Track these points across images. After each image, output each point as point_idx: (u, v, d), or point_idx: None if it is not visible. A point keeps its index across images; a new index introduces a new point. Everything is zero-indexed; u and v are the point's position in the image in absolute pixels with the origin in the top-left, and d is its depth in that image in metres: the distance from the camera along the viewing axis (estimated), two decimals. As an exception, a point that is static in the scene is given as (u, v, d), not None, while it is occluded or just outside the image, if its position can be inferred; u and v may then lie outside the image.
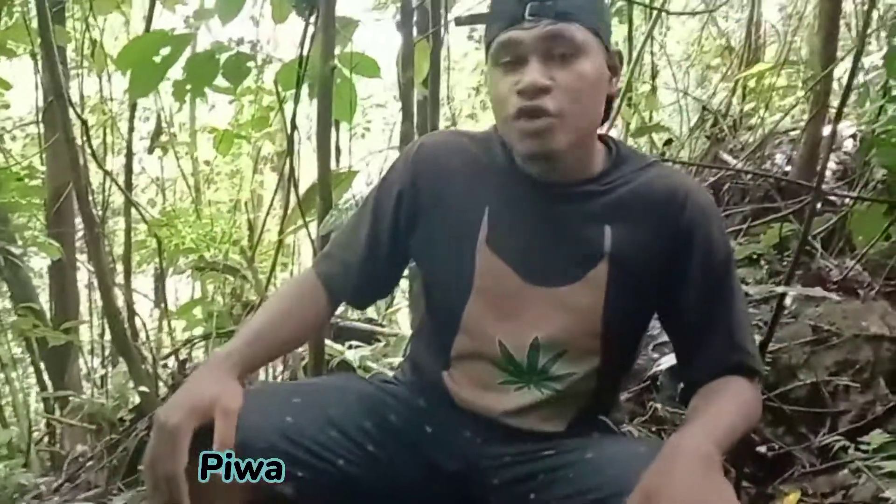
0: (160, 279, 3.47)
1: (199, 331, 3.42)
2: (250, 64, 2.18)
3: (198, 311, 3.53)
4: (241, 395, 1.06)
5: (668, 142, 3.83)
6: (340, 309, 2.63)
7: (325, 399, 1.18)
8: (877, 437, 1.64)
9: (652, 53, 4.58)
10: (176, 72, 2.22)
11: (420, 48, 2.26)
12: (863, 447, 1.61)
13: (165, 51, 2.00)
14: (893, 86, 2.66)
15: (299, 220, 2.13)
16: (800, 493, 1.61)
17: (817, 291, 1.44)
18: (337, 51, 2.20)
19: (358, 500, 1.18)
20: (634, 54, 3.49)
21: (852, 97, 4.46)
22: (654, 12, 3.05)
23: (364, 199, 1.31)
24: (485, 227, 1.16)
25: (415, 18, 2.25)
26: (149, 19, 2.42)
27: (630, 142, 3.56)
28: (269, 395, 1.17)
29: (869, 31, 3.43)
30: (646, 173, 1.18)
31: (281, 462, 1.07)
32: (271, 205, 2.55)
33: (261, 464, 1.06)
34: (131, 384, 2.61)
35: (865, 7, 1.91)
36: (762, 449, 1.82)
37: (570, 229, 1.15)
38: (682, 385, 1.24)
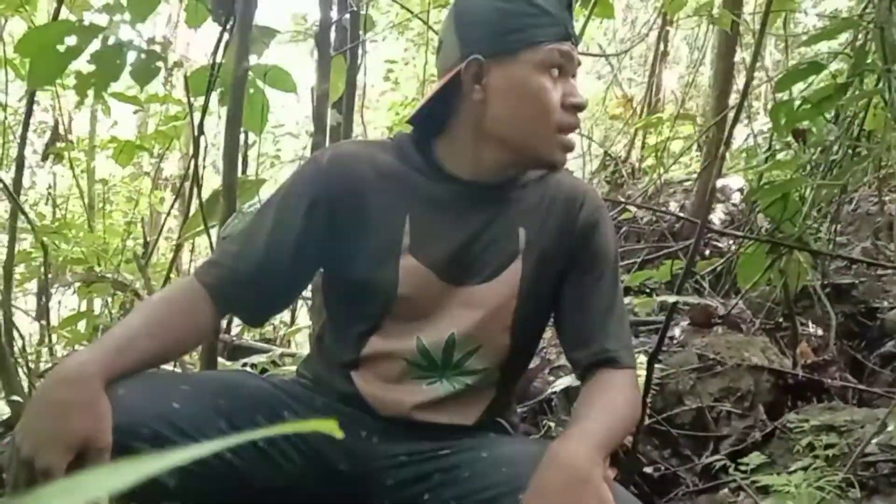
0: (43, 291, 3.27)
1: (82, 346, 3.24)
2: (159, 64, 2.12)
3: (83, 326, 3.36)
4: (111, 427, 0.97)
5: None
6: (236, 329, 2.54)
7: (217, 390, 1.14)
8: (755, 457, 1.72)
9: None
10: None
11: (337, 66, 2.28)
12: (742, 467, 1.68)
13: (71, 41, 1.93)
14: (777, 140, 2.86)
15: (199, 227, 2.07)
16: (683, 511, 1.66)
17: (700, 301, 1.51)
18: (253, 60, 2.19)
19: (246, 497, 1.14)
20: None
21: (743, 157, 4.79)
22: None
23: (262, 208, 1.24)
24: (407, 236, 1.17)
25: (333, 37, 2.27)
26: (56, 13, 2.33)
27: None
28: (157, 379, 1.10)
29: (757, 85, 3.69)
30: (550, 178, 1.25)
31: (163, 450, 1.02)
32: (170, 212, 2.45)
33: (142, 451, 1.00)
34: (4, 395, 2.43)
35: (750, 60, 2.07)
36: (649, 470, 1.87)
37: (488, 231, 1.19)
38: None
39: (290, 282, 1.24)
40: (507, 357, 1.23)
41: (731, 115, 3.42)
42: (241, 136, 2.92)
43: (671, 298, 1.42)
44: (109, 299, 3.26)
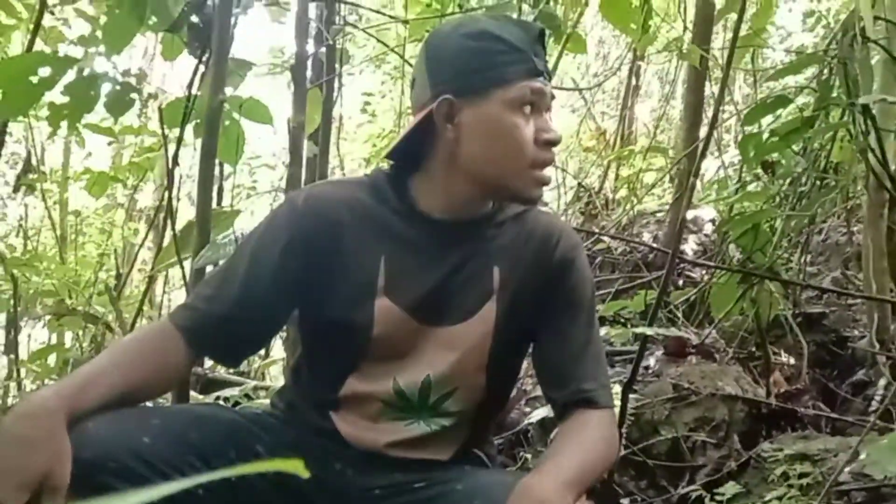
0: (13, 324, 3.21)
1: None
2: (134, 96, 2.12)
3: (52, 360, 3.30)
4: (69, 465, 0.95)
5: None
6: (209, 362, 2.50)
7: (188, 423, 1.12)
8: (730, 487, 1.72)
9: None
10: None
11: (313, 99, 2.29)
12: (718, 497, 1.68)
13: (45, 72, 1.92)
14: (747, 172, 2.92)
15: (173, 258, 2.05)
16: (659, 542, 1.65)
17: (674, 331, 1.52)
18: (229, 92, 2.20)
19: (217, 532, 1.11)
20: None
21: (714, 189, 4.87)
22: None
23: (238, 249, 1.23)
24: (382, 277, 1.17)
25: (309, 70, 2.29)
26: (30, 44, 2.32)
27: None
28: (127, 413, 1.08)
29: (727, 119, 3.77)
30: (526, 216, 1.26)
31: (132, 485, 1.00)
32: (143, 243, 2.42)
33: (110, 486, 0.98)
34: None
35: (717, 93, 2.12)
36: (625, 501, 1.86)
37: (463, 270, 1.19)
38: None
39: (266, 323, 1.23)
40: (483, 396, 1.22)
41: (713, 155, 3.49)
42: (217, 168, 2.93)
43: (645, 330, 1.43)
44: (80, 332, 3.21)
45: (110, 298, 2.24)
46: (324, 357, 1.24)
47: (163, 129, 1.95)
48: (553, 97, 1.18)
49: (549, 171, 1.18)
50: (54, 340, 3.81)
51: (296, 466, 0.24)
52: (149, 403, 1.28)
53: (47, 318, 3.46)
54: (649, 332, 1.46)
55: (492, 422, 1.37)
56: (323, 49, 2.17)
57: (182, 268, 1.83)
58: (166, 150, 1.87)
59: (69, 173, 5.85)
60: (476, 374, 1.20)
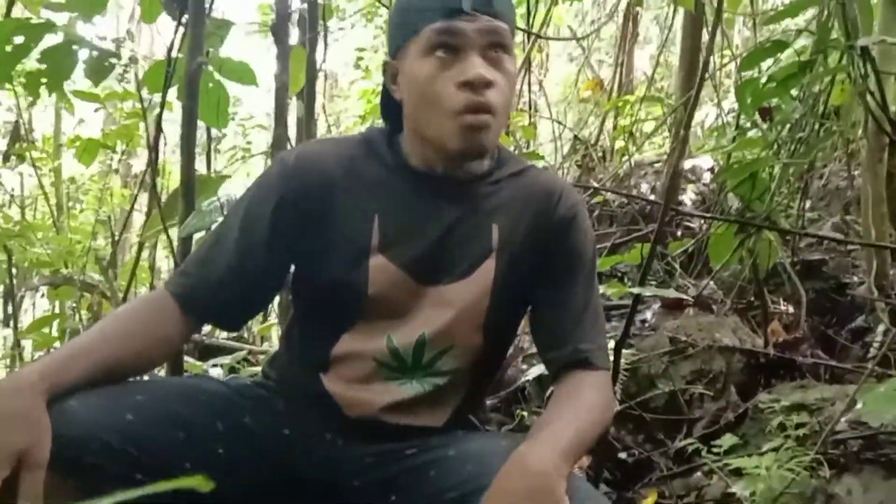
0: (9, 295, 3.21)
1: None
2: (113, 61, 2.07)
3: (55, 329, 3.30)
4: (48, 443, 0.93)
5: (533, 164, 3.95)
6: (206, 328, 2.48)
7: (173, 398, 1.11)
8: (727, 439, 1.72)
9: (530, 88, 4.74)
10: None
11: (296, 57, 2.24)
12: (715, 450, 1.68)
13: (19, 39, 1.87)
14: (746, 119, 2.86)
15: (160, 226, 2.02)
16: (657, 496, 1.66)
17: (669, 293, 1.50)
18: (211, 53, 2.14)
19: (207, 505, 1.11)
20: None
21: (714, 137, 4.79)
22: (532, 40, 3.17)
23: (230, 212, 1.21)
24: (376, 235, 1.14)
25: (296, 27, 2.23)
26: (8, 10, 2.26)
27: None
28: (110, 389, 1.06)
29: (725, 63, 3.69)
30: (525, 174, 1.23)
31: (117, 464, 0.99)
32: (131, 211, 2.38)
33: (94, 465, 0.97)
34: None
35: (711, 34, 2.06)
36: (623, 455, 1.87)
37: (460, 228, 1.16)
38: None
39: (263, 285, 1.21)
40: (479, 357, 1.20)
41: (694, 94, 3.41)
42: (209, 131, 2.88)
43: (637, 290, 1.41)
44: (77, 302, 3.20)
45: (101, 268, 2.22)
46: (317, 318, 1.23)
47: (140, 95, 1.90)
48: (494, 33, 1.07)
49: (482, 116, 1.07)
50: (56, 310, 3.80)
51: (199, 482, 0.22)
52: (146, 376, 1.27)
53: (45, 288, 3.45)
54: (646, 292, 1.43)
55: (487, 385, 1.36)
56: (305, 4, 2.11)
57: (167, 236, 1.81)
58: (144, 118, 1.83)
59: (61, 140, 5.80)
60: (472, 333, 1.18)
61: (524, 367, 2.09)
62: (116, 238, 2.46)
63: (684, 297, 2.21)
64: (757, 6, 4.76)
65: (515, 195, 1.20)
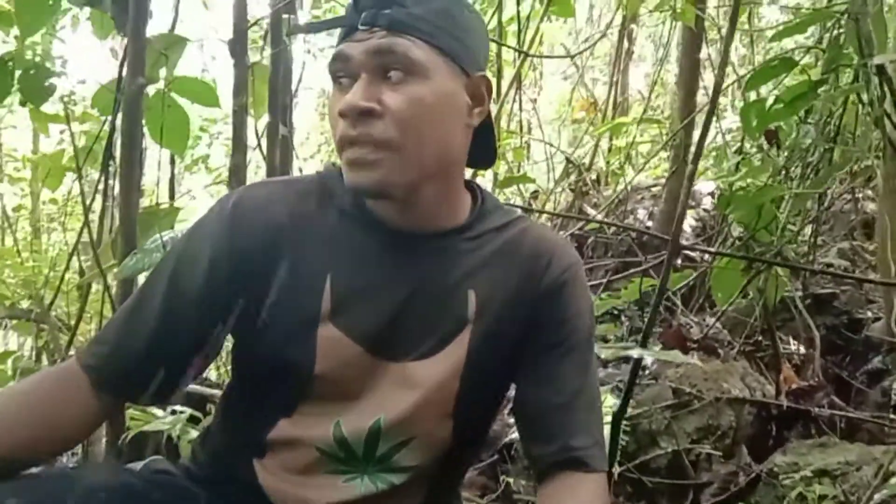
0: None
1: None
2: (54, 80, 1.87)
3: (9, 368, 3.07)
4: None
5: (535, 193, 3.76)
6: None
7: (66, 498, 0.89)
8: (740, 511, 1.51)
9: (521, 107, 4.56)
10: None
11: (259, 75, 2.04)
12: (726, 524, 1.47)
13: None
14: (749, 142, 2.67)
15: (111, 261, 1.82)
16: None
17: (675, 356, 1.29)
18: (164, 74, 1.95)
19: None
20: (502, 102, 3.41)
21: (712, 157, 4.62)
22: (521, 58, 2.99)
23: (159, 264, 1.00)
24: (327, 300, 0.93)
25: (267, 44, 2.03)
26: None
27: (497, 192, 3.46)
28: None
29: (725, 85, 3.52)
30: (512, 228, 1.01)
31: None
32: (76, 247, 2.16)
33: None
34: None
35: (721, 55, 1.88)
36: (621, 527, 1.65)
37: (430, 292, 0.95)
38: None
39: (192, 353, 0.98)
40: (446, 451, 0.99)
41: (700, 118, 3.22)
42: (173, 156, 2.68)
43: (638, 353, 1.19)
44: (34, 337, 2.98)
45: (41, 312, 2.02)
46: (254, 393, 1.00)
47: (69, 123, 1.71)
48: (385, 52, 0.87)
49: (359, 151, 0.88)
50: (12, 345, 3.58)
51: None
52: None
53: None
54: (648, 356, 1.22)
55: (457, 481, 1.14)
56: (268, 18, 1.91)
57: (105, 281, 1.60)
58: (75, 149, 1.63)
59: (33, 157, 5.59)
60: (439, 421, 0.97)
61: (510, 420, 1.87)
62: (61, 274, 2.24)
63: (687, 339, 2.00)
64: (754, 22, 4.60)
65: (498, 254, 0.98)
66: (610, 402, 1.49)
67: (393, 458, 0.96)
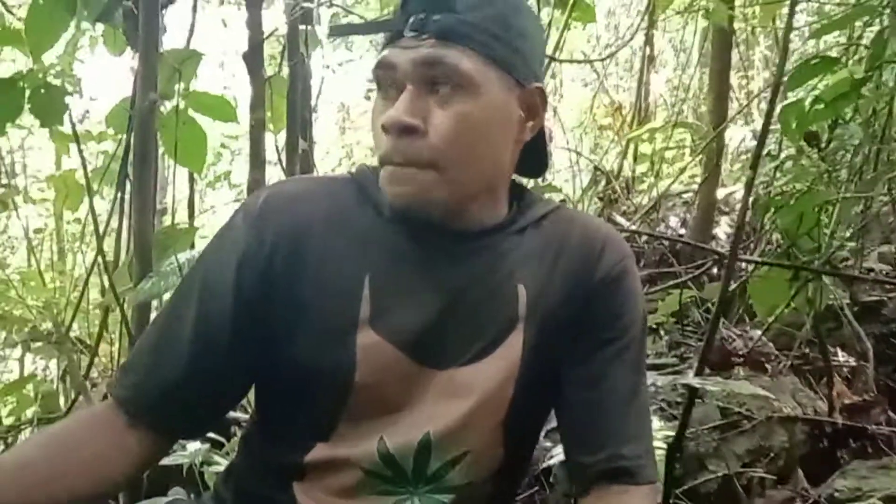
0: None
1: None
2: (67, 100, 1.81)
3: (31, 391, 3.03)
4: None
5: (561, 203, 3.66)
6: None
7: None
8: (801, 543, 1.39)
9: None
10: None
11: (277, 89, 1.97)
12: (786, 557, 1.36)
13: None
14: (788, 146, 2.56)
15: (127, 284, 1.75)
16: None
17: (744, 387, 1.19)
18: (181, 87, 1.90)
19: None
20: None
21: (741, 161, 4.49)
22: (546, 65, 2.91)
23: (185, 279, 0.93)
24: (366, 303, 0.85)
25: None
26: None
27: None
28: None
29: (745, 82, 3.41)
30: (557, 217, 0.93)
31: None
32: (91, 271, 2.10)
33: None
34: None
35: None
36: (671, 559, 1.54)
37: (476, 292, 0.87)
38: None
39: (236, 371, 0.90)
40: (500, 467, 0.90)
41: (738, 123, 3.11)
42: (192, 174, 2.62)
43: (695, 382, 1.09)
44: (55, 361, 2.93)
45: (57, 338, 1.97)
46: (287, 413, 0.91)
47: (78, 142, 1.66)
48: (434, 64, 0.80)
49: (403, 170, 0.82)
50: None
51: None
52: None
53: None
54: (710, 386, 1.11)
55: (511, 499, 1.05)
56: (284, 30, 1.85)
57: (121, 306, 1.53)
58: (85, 170, 1.58)
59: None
60: (492, 432, 0.88)
61: (548, 444, 1.77)
62: (75, 300, 2.19)
63: (732, 354, 1.89)
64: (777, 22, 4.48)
65: (546, 245, 0.91)
66: (655, 424, 1.39)
67: (446, 475, 0.87)
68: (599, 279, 0.90)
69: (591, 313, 0.90)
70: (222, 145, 5.53)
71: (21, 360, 3.32)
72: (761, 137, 1.49)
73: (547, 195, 1.01)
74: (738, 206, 3.33)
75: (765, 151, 3.24)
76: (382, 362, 0.85)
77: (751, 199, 3.37)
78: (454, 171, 0.82)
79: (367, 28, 0.96)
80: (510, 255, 0.89)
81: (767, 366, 2.02)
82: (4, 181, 4.12)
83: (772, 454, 1.69)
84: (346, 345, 0.84)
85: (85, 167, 1.66)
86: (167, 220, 4.27)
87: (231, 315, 0.85)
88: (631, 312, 0.91)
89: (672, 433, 1.44)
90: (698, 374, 1.16)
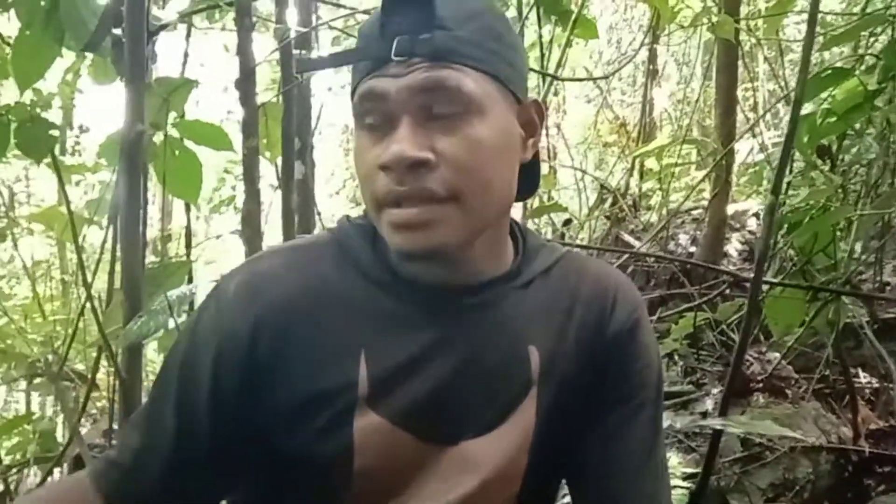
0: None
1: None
2: (54, 133, 1.75)
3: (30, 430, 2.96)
4: None
5: (567, 222, 3.59)
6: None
7: None
8: (833, 586, 1.30)
9: (546, 133, 4.43)
10: None
11: (271, 115, 1.92)
12: None
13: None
14: (798, 158, 2.49)
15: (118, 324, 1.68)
16: None
17: (769, 428, 1.11)
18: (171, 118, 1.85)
19: None
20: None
21: (747, 175, 4.41)
22: (547, 81, 2.85)
23: (163, 366, 0.84)
24: (363, 381, 0.77)
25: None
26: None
27: (528, 223, 3.30)
28: None
29: (748, 95, 3.34)
30: (564, 268, 0.86)
31: None
32: (82, 310, 2.02)
33: None
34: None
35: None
36: None
37: (484, 355, 0.79)
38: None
39: (218, 469, 0.82)
40: None
41: (749, 139, 3.04)
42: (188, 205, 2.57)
43: (719, 424, 1.01)
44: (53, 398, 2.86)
45: (49, 379, 1.90)
46: None
47: (59, 176, 1.60)
48: (433, 89, 0.71)
49: (410, 211, 0.72)
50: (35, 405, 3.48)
51: None
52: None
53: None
54: (735, 429, 1.03)
55: None
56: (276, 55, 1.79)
57: (109, 349, 1.46)
58: (68, 206, 1.52)
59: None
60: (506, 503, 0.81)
61: (565, 501, 1.69)
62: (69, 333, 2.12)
63: (751, 380, 1.80)
64: (781, 35, 4.42)
65: (555, 301, 0.83)
66: (674, 461, 1.31)
67: None
68: (613, 334, 0.83)
69: (606, 371, 0.82)
70: (226, 170, 5.48)
71: (27, 393, 3.25)
72: (781, 161, 1.42)
73: (553, 214, 0.94)
74: (747, 222, 3.25)
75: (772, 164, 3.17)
76: (384, 445, 0.76)
77: (758, 213, 3.30)
78: (471, 203, 0.73)
79: (341, 59, 0.83)
80: (517, 312, 0.81)
81: (788, 391, 1.93)
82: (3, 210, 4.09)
83: (797, 487, 1.60)
84: (342, 430, 0.76)
85: (68, 203, 1.61)
86: (171, 248, 4.23)
87: (208, 411, 0.77)
88: (647, 368, 0.84)
89: (691, 470, 1.36)
90: (722, 412, 1.08)
